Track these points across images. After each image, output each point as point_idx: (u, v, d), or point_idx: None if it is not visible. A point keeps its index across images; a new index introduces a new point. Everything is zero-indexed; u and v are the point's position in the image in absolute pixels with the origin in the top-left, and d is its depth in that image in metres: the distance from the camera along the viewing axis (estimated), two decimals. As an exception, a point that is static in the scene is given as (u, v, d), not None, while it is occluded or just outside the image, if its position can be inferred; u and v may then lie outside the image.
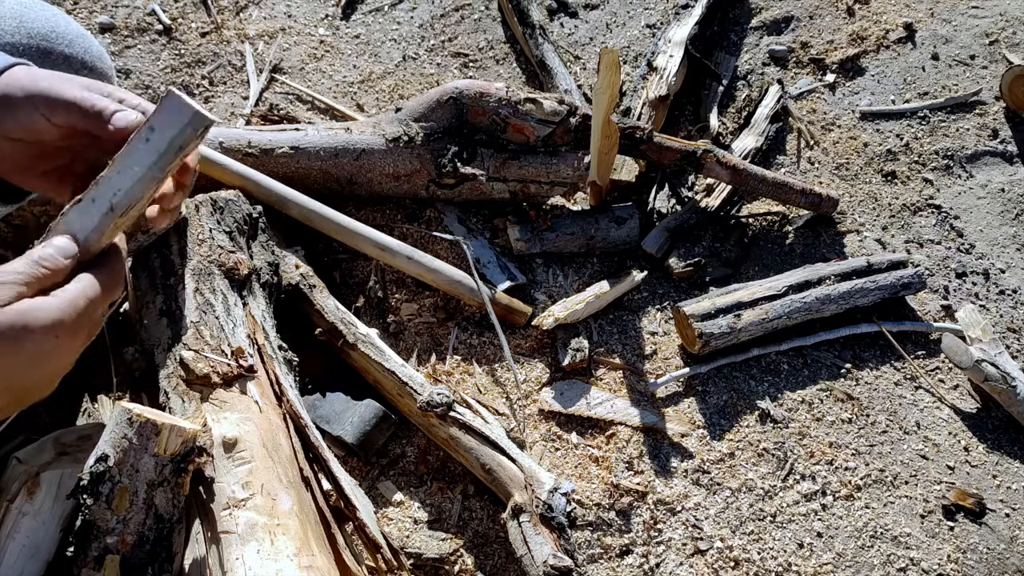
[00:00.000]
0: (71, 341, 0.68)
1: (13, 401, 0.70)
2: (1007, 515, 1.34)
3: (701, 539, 1.29)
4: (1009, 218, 1.69)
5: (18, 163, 0.83)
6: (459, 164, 1.50)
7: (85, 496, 0.86)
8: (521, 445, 1.33)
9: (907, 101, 1.86)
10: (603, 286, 1.49)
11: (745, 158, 1.68)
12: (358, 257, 1.52)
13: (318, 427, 1.26)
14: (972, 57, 1.91)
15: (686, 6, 1.93)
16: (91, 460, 0.89)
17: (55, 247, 0.72)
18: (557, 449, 1.36)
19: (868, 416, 1.43)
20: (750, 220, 1.68)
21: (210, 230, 1.24)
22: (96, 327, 0.72)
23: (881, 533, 1.31)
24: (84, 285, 0.70)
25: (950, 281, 1.61)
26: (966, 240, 1.66)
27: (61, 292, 0.69)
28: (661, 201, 1.68)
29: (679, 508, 1.31)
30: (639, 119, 1.70)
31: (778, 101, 1.80)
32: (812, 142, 1.80)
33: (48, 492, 0.89)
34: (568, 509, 1.17)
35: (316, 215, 1.43)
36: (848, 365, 1.49)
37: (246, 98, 1.79)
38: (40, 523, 0.88)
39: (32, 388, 0.69)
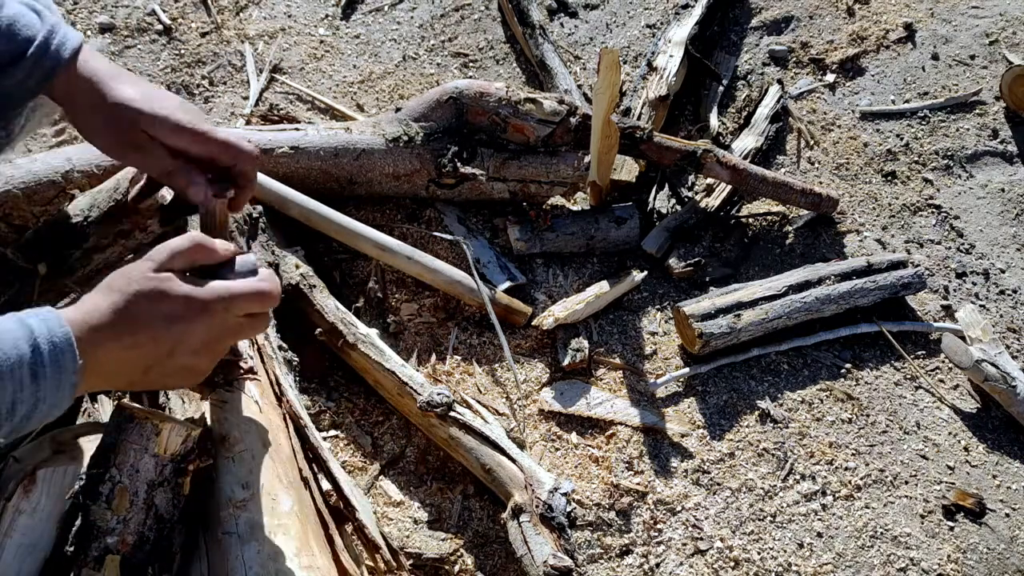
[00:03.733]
0: (201, 319, 0.77)
1: (146, 371, 0.77)
2: (1007, 515, 1.34)
3: (701, 539, 1.29)
4: (1009, 218, 1.69)
5: (114, 143, 0.91)
6: (459, 164, 1.50)
7: (83, 497, 0.86)
8: (521, 445, 1.33)
9: (907, 101, 1.86)
10: (603, 286, 1.49)
11: (745, 158, 1.68)
12: (358, 257, 1.52)
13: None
14: (972, 57, 1.91)
15: (686, 6, 1.93)
16: (91, 460, 0.89)
17: (217, 242, 0.82)
18: (557, 449, 1.36)
19: (868, 416, 1.43)
20: (750, 220, 1.68)
21: (210, 230, 1.24)
22: (228, 331, 0.80)
23: (881, 533, 1.31)
24: (230, 282, 0.80)
25: (950, 281, 1.61)
26: (966, 240, 1.66)
27: (209, 281, 0.79)
28: (661, 201, 1.68)
29: (679, 508, 1.31)
30: (639, 119, 1.70)
31: (778, 101, 1.80)
32: (812, 142, 1.80)
33: (44, 490, 0.89)
34: (568, 509, 1.17)
35: (316, 215, 1.43)
36: (848, 365, 1.49)
37: (246, 98, 1.79)
38: (37, 521, 0.88)
39: (165, 362, 0.77)
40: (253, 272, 0.83)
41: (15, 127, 0.98)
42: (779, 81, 1.86)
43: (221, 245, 0.82)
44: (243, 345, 1.12)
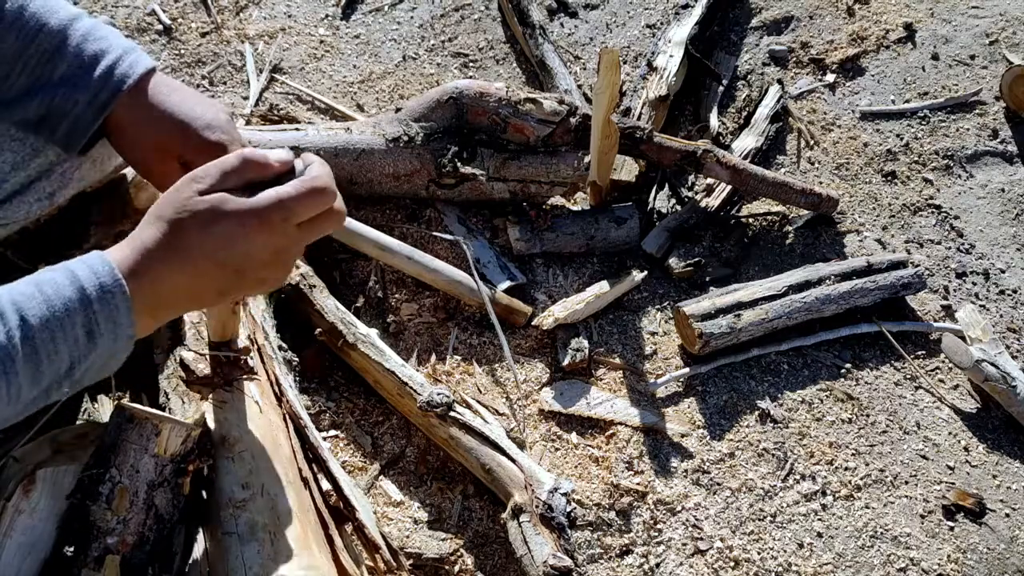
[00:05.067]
0: (260, 235, 0.70)
1: (221, 293, 0.74)
2: (1007, 515, 1.34)
3: (701, 539, 1.29)
4: (1009, 218, 1.69)
5: (147, 157, 0.87)
6: (459, 164, 1.50)
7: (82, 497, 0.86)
8: (521, 445, 1.33)
9: (907, 101, 1.86)
10: (603, 286, 1.49)
11: (745, 158, 1.68)
12: (358, 257, 1.52)
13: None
14: (972, 57, 1.91)
15: (686, 6, 1.93)
16: (90, 461, 0.89)
17: (269, 151, 0.75)
18: (557, 449, 1.36)
19: (868, 416, 1.43)
20: (750, 220, 1.68)
21: (210, 230, 1.24)
22: (294, 238, 0.74)
23: (881, 533, 1.31)
24: (279, 188, 0.72)
25: (950, 281, 1.61)
26: (966, 240, 1.66)
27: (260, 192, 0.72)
28: (661, 201, 1.68)
29: (679, 508, 1.31)
30: (639, 119, 1.70)
31: (778, 101, 1.80)
32: (812, 142, 1.80)
33: (44, 490, 0.89)
34: (568, 509, 1.17)
35: (316, 215, 1.43)
36: (848, 365, 1.49)
37: (246, 98, 1.79)
38: (37, 521, 0.88)
39: (238, 282, 0.73)
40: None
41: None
42: (779, 81, 1.86)
43: (275, 156, 0.74)
44: (243, 345, 1.12)
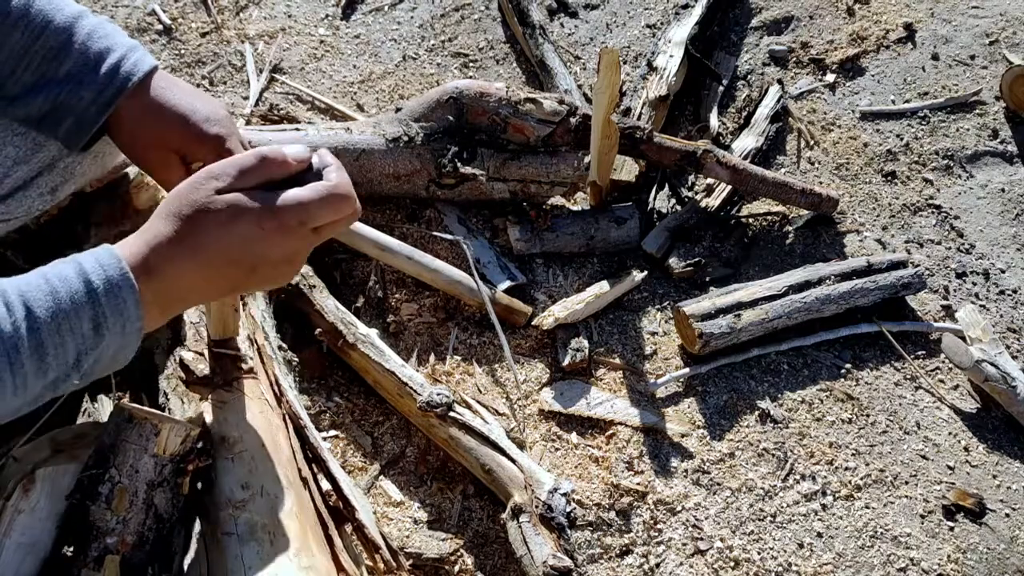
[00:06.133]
0: (276, 236, 0.70)
1: (234, 288, 0.74)
2: (1007, 515, 1.34)
3: (701, 539, 1.29)
4: (1009, 218, 1.69)
5: (147, 152, 0.88)
6: (459, 164, 1.50)
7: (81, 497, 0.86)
8: (521, 445, 1.33)
9: (907, 101, 1.86)
10: (603, 286, 1.49)
11: (745, 158, 1.68)
12: (358, 257, 1.52)
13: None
14: (972, 57, 1.91)
15: (686, 6, 1.93)
16: (90, 461, 0.89)
17: (287, 148, 0.74)
18: (557, 449, 1.36)
19: (868, 416, 1.43)
20: (750, 220, 1.68)
21: (210, 230, 1.24)
22: (309, 240, 0.74)
23: (881, 533, 1.31)
24: (297, 190, 0.72)
25: (950, 281, 1.61)
26: (966, 240, 1.66)
27: (275, 190, 0.72)
28: (661, 201, 1.68)
29: (679, 508, 1.31)
30: (639, 119, 1.70)
31: (778, 101, 1.80)
32: (812, 142, 1.80)
33: (43, 489, 0.89)
34: (568, 509, 1.17)
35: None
36: (848, 365, 1.49)
37: (246, 98, 1.79)
38: (36, 520, 0.88)
39: (249, 278, 0.73)
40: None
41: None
42: (779, 81, 1.86)
43: (292, 153, 0.74)
44: (243, 345, 1.12)
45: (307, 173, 0.74)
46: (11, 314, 0.63)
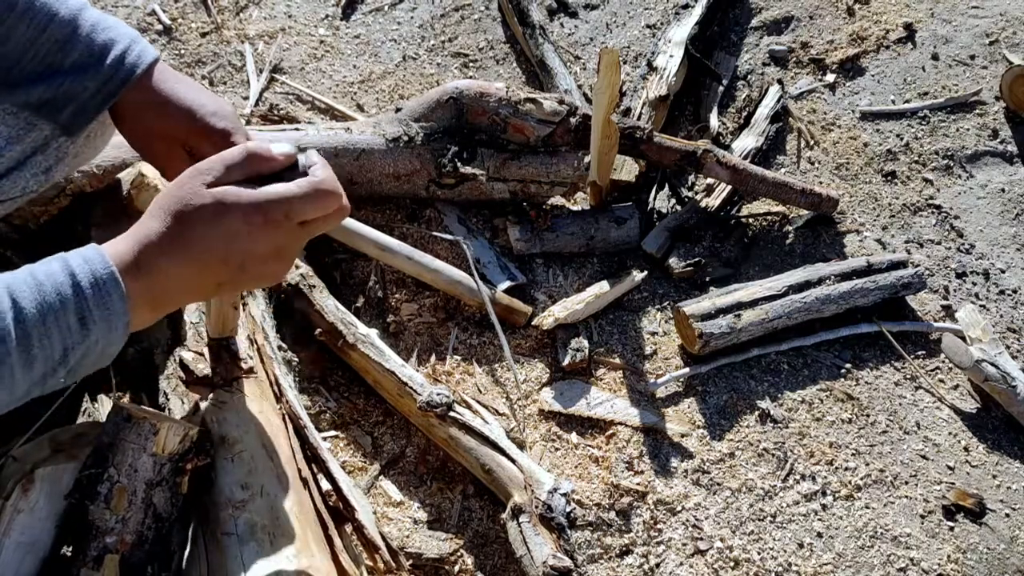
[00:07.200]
0: (263, 230, 0.71)
1: (219, 286, 0.74)
2: (1007, 515, 1.34)
3: (701, 539, 1.29)
4: (1009, 218, 1.69)
5: (152, 142, 0.90)
6: (459, 164, 1.50)
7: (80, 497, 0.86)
8: (521, 445, 1.33)
9: (907, 101, 1.86)
10: (603, 286, 1.49)
11: (745, 158, 1.68)
12: (358, 257, 1.52)
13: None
14: (972, 57, 1.91)
15: (686, 6, 1.93)
16: (89, 460, 0.89)
17: (273, 144, 0.75)
18: (557, 449, 1.36)
19: (868, 416, 1.43)
20: (750, 220, 1.68)
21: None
22: (296, 235, 0.75)
23: (881, 533, 1.31)
24: (283, 184, 0.73)
25: (950, 281, 1.61)
26: (966, 240, 1.66)
27: (262, 186, 0.73)
28: (661, 201, 1.68)
29: (679, 508, 1.31)
30: (639, 119, 1.70)
31: (778, 101, 1.80)
32: (812, 142, 1.80)
33: (43, 489, 0.89)
34: (568, 509, 1.17)
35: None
36: (848, 365, 1.49)
37: (246, 98, 1.79)
38: (36, 520, 0.88)
39: (238, 276, 0.73)
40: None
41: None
42: (779, 81, 1.86)
43: (278, 150, 0.75)
44: (243, 345, 1.12)
45: (294, 171, 0.75)
46: None
